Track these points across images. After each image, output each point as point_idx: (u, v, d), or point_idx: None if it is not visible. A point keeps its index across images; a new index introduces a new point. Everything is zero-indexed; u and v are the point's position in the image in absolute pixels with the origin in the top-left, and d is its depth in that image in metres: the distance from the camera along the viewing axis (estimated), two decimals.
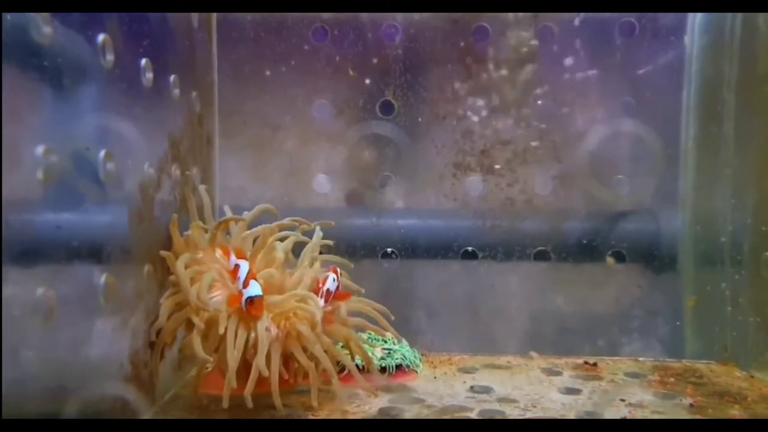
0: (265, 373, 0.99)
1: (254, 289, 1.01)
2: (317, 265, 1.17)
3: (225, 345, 1.00)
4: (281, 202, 1.23)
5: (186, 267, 1.04)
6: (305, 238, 1.19)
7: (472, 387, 1.22)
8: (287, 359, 1.06)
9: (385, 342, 1.30)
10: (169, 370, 1.12)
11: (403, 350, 1.28)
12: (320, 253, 1.19)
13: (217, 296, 1.05)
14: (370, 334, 1.26)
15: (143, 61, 1.03)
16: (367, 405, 1.10)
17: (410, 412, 1.08)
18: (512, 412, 1.08)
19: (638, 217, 1.49)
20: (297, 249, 1.19)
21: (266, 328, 1.02)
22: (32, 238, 0.73)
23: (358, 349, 1.14)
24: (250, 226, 1.15)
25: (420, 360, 1.31)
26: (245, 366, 1.01)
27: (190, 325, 1.03)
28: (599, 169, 1.48)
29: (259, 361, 0.98)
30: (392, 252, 1.50)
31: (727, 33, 1.38)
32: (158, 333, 1.04)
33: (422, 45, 1.46)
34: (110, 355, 0.93)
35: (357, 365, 1.15)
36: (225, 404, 0.97)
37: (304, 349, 1.04)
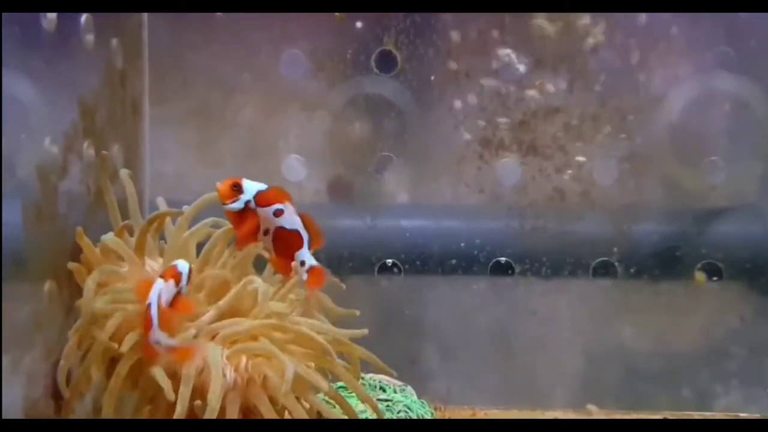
0: None
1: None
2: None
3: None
4: None
5: (99, 287, 1.02)
6: None
7: None
8: (247, 414, 1.05)
9: (384, 390, 1.31)
10: None
11: (408, 401, 1.29)
12: None
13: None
14: (364, 378, 1.26)
15: None
16: None
17: None
18: None
19: (739, 217, 1.50)
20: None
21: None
22: None
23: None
24: (193, 224, 1.13)
25: (431, 415, 1.32)
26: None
27: (111, 367, 1.01)
28: (684, 149, 1.48)
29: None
30: (393, 265, 1.50)
31: None
32: (68, 377, 1.03)
33: None
34: None
35: None
36: None
37: (272, 401, 1.03)
